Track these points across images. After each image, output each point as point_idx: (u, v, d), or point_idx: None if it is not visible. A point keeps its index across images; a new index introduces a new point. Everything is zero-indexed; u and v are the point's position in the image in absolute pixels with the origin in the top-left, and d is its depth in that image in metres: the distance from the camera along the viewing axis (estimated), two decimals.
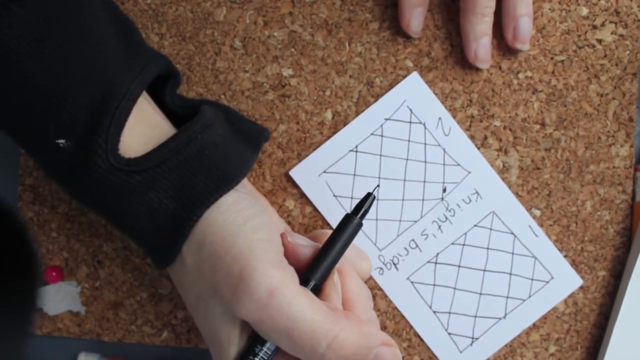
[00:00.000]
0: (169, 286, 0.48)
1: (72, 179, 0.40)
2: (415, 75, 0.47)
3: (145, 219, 0.39)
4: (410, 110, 0.47)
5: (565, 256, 0.47)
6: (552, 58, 0.47)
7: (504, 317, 0.47)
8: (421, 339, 0.47)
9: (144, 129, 0.40)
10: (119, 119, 0.38)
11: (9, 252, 0.29)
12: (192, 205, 0.38)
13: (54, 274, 0.48)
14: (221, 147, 0.40)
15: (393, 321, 0.47)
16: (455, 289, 0.47)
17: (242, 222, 0.38)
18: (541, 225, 0.47)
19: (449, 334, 0.47)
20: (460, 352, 0.47)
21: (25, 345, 0.29)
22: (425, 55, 0.47)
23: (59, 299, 0.48)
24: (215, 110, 0.42)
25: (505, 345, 0.47)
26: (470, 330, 0.47)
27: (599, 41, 0.47)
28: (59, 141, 0.38)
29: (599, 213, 0.47)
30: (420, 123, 0.47)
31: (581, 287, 0.47)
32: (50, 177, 0.43)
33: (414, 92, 0.47)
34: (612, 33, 0.47)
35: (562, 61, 0.47)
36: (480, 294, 0.47)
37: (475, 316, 0.47)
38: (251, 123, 0.46)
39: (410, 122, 0.47)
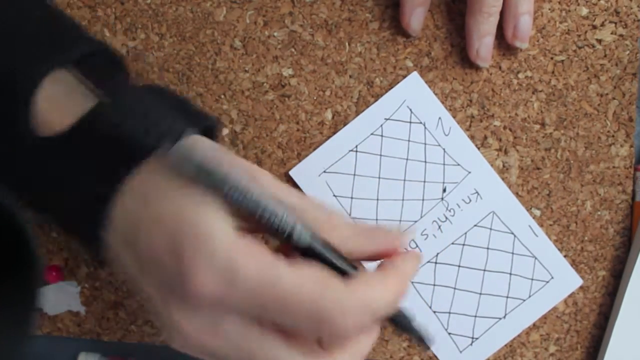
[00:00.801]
0: None
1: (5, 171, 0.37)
2: (415, 75, 0.47)
3: (67, 211, 0.36)
4: (410, 110, 0.47)
5: (565, 256, 0.47)
6: (552, 58, 0.47)
7: (504, 317, 0.47)
8: None
9: (64, 108, 0.36)
10: (23, 102, 0.35)
11: (9, 251, 0.29)
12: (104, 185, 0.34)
13: (54, 274, 0.48)
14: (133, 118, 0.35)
15: None
16: (455, 289, 0.47)
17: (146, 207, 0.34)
18: (541, 225, 0.47)
19: (449, 334, 0.47)
20: (460, 352, 0.47)
21: (24, 345, 0.29)
22: (425, 55, 0.47)
23: (59, 299, 0.48)
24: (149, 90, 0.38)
25: (505, 345, 0.47)
26: (470, 330, 0.47)
27: (599, 41, 0.47)
28: None
29: (599, 213, 0.47)
30: (420, 123, 0.47)
31: (581, 287, 0.47)
32: None
33: (414, 92, 0.47)
34: (612, 33, 0.47)
35: (562, 61, 0.47)
36: (480, 294, 0.47)
37: (475, 316, 0.47)
38: (197, 107, 0.40)
39: (410, 122, 0.47)
